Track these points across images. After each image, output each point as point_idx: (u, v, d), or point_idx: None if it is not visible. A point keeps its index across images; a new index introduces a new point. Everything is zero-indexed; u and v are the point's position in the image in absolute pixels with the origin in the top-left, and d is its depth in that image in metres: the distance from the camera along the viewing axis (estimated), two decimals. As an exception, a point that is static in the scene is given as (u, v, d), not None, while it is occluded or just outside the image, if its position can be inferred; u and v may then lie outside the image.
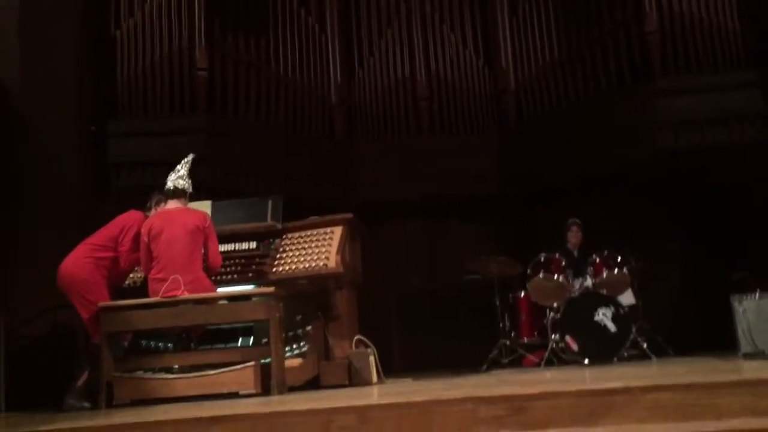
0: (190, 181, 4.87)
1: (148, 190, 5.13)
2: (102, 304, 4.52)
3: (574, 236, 6.67)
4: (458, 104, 8.53)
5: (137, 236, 4.76)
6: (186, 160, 4.92)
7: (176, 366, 4.60)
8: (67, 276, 4.69)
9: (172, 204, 4.81)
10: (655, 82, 7.02)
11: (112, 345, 4.46)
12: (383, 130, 8.53)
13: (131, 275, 5.06)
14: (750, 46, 7.05)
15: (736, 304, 4.93)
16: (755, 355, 4.73)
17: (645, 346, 5.90)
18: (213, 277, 4.85)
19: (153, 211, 4.93)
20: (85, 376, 4.59)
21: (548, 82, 8.08)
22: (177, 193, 4.80)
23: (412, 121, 8.51)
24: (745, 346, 4.83)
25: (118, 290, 4.86)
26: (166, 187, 4.82)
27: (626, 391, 3.06)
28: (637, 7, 7.20)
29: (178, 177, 4.83)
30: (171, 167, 4.91)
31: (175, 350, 4.81)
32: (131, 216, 4.90)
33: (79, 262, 4.71)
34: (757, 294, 4.94)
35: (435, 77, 8.57)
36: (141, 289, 4.85)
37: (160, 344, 5.01)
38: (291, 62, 8.10)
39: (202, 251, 4.71)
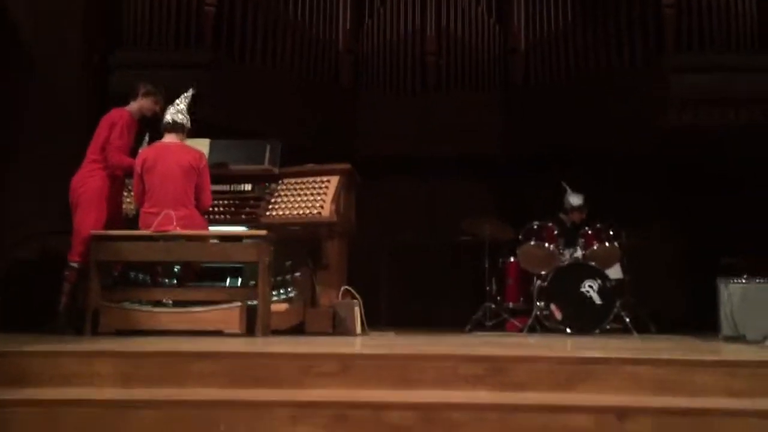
0: (188, 117, 4.83)
1: (149, 122, 5.08)
2: (94, 231, 4.53)
3: (577, 216, 6.62)
4: (466, 61, 8.41)
5: (125, 130, 4.74)
6: (186, 94, 4.88)
7: (170, 301, 4.65)
8: (77, 187, 4.72)
9: (169, 138, 4.78)
10: (667, 57, 6.92)
11: (100, 273, 4.48)
12: (389, 83, 8.42)
13: (124, 206, 5.06)
14: (765, 29, 6.96)
15: (722, 287, 4.97)
16: (736, 338, 4.79)
17: (628, 320, 5.95)
18: (205, 216, 4.85)
19: (137, 103, 4.88)
20: (64, 299, 4.62)
21: (558, 46, 7.96)
22: (175, 127, 4.77)
23: (418, 75, 8.41)
24: (726, 328, 4.88)
25: (118, 219, 4.87)
26: (165, 120, 4.79)
27: (605, 361, 3.10)
28: (654, -22, 7.07)
29: (177, 111, 4.79)
30: (172, 101, 4.87)
31: (159, 284, 4.86)
32: (115, 113, 4.84)
33: (89, 175, 4.73)
34: (744, 279, 4.98)
35: (445, 32, 8.43)
36: (134, 221, 4.85)
37: (148, 278, 5.04)
38: (300, 5, 7.96)
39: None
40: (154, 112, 4.95)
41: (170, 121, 4.76)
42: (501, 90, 8.41)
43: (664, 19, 6.97)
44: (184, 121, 4.80)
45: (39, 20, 6.24)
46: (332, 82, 8.27)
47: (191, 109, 4.89)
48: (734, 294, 4.90)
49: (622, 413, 2.73)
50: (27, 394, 2.92)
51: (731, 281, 4.96)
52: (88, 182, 4.74)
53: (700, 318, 6.06)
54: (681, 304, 7.42)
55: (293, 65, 7.80)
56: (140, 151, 4.87)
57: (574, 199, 6.63)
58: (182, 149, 4.73)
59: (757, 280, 4.95)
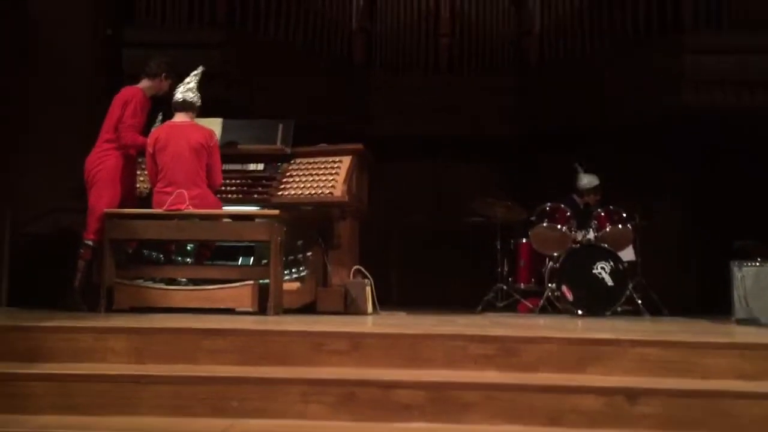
0: (198, 95, 4.82)
1: (161, 100, 5.08)
2: (108, 210, 4.56)
3: (592, 199, 6.61)
4: (480, 43, 8.35)
5: (138, 108, 4.76)
6: (195, 72, 4.87)
7: (183, 279, 4.69)
8: (92, 167, 4.74)
9: (180, 117, 4.78)
10: (684, 37, 6.83)
11: (114, 251, 4.51)
12: (401, 63, 8.38)
13: (138, 185, 5.08)
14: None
15: (735, 270, 4.94)
16: (749, 321, 4.76)
17: (640, 302, 5.94)
18: (217, 195, 4.87)
19: (150, 81, 4.89)
20: (79, 276, 4.66)
21: (574, 26, 7.88)
22: (185, 106, 4.77)
23: (431, 56, 8.36)
24: (739, 311, 4.85)
25: (132, 197, 4.90)
26: (174, 99, 4.79)
27: (615, 342, 3.10)
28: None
29: (188, 89, 4.79)
30: (183, 80, 4.87)
31: (172, 262, 4.89)
32: (127, 92, 4.85)
33: (104, 155, 4.75)
34: (758, 262, 4.94)
35: (459, 13, 8.37)
36: (147, 200, 4.88)
37: (161, 256, 5.07)
38: (314, -18, 7.93)
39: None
40: (166, 90, 4.95)
41: (180, 100, 4.77)
42: (515, 72, 8.34)
43: (681, -2, 6.89)
44: (195, 100, 4.80)
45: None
46: (345, 61, 8.23)
47: (201, 86, 4.88)
48: (747, 277, 4.87)
49: (632, 395, 2.74)
50: (42, 368, 2.96)
51: (745, 264, 4.93)
52: (102, 162, 4.76)
53: (714, 301, 6.03)
54: (694, 287, 7.39)
55: (306, 43, 7.77)
56: (152, 130, 4.89)
57: (590, 180, 6.61)
58: (193, 128, 4.74)
59: (771, 263, 4.91)
